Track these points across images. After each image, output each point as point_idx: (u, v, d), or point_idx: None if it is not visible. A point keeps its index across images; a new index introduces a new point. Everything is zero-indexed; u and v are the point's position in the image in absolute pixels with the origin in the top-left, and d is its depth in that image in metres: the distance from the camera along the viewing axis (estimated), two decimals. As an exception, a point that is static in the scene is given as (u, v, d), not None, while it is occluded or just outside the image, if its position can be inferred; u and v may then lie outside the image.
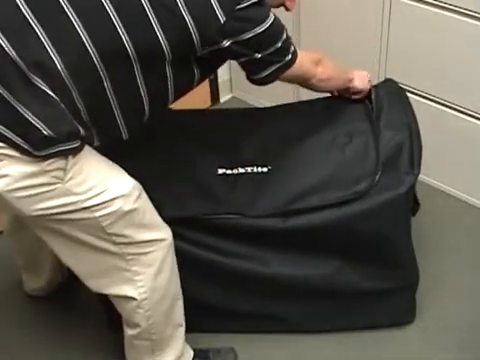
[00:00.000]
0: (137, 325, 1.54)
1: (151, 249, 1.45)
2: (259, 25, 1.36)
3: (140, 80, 1.34)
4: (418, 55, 2.11)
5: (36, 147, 1.23)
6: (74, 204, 1.32)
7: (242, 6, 1.33)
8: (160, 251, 1.47)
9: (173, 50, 1.32)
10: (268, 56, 1.43)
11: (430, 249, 2.07)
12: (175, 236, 1.55)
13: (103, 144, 1.39)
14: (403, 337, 1.85)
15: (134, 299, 1.48)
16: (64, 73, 1.23)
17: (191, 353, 1.72)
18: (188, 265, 1.61)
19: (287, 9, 1.57)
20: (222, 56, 1.45)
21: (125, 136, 1.42)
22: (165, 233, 1.50)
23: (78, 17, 1.24)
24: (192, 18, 1.30)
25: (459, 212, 2.24)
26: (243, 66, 1.48)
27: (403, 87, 1.94)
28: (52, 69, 1.22)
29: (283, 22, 1.45)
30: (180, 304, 1.61)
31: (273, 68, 1.47)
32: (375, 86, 1.83)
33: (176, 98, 1.47)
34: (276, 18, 1.42)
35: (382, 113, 1.73)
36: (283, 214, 1.61)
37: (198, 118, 1.88)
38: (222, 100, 2.83)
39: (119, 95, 1.33)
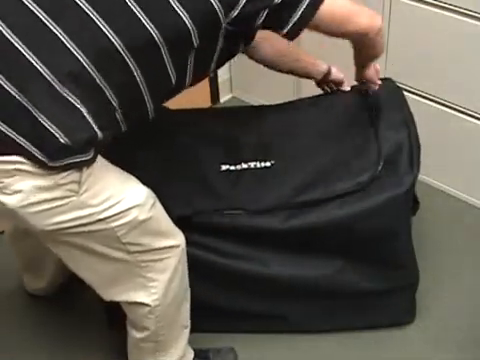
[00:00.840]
0: (146, 329, 1.54)
1: (165, 256, 1.45)
2: None
3: (168, 63, 1.30)
4: (418, 55, 2.11)
5: (52, 157, 1.20)
6: (90, 216, 1.30)
7: None
8: (174, 257, 1.47)
9: (198, 27, 1.27)
10: None
11: (430, 249, 2.07)
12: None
13: (130, 129, 1.36)
14: (403, 337, 1.85)
15: (147, 305, 1.48)
16: (94, 73, 1.20)
17: (192, 354, 1.72)
18: (188, 266, 1.61)
19: None
20: (244, 24, 1.36)
21: (151, 115, 1.40)
22: (179, 239, 1.49)
23: (97, 12, 1.20)
24: None
25: (459, 212, 2.24)
26: (270, 24, 1.37)
27: (403, 87, 1.94)
28: (80, 71, 1.19)
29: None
30: (187, 306, 1.60)
31: (302, 6, 1.35)
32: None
33: (193, 82, 1.44)
34: None
35: (380, 113, 1.73)
36: (288, 208, 1.61)
37: (199, 116, 1.88)
38: (222, 100, 2.83)
39: (149, 81, 1.29)
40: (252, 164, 1.66)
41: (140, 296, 1.47)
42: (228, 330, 1.84)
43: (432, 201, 2.22)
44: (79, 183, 1.26)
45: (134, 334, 1.58)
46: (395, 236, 1.69)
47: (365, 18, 1.45)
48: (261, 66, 1.77)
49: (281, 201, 1.61)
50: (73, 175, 1.25)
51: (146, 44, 1.25)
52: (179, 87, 1.41)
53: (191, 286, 1.61)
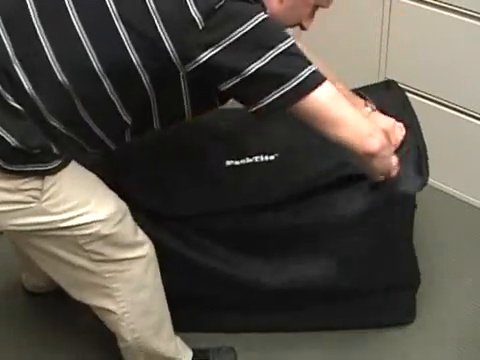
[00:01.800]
0: (123, 339, 1.53)
1: (130, 267, 1.43)
2: (246, 22, 1.13)
3: (114, 97, 1.23)
4: (418, 55, 2.11)
5: (6, 160, 1.21)
6: (50, 223, 1.30)
7: (222, 3, 1.12)
8: (139, 267, 1.45)
9: (146, 65, 1.19)
10: (268, 66, 1.14)
11: (430, 249, 2.07)
12: (180, 238, 1.55)
13: (96, 151, 1.36)
14: (403, 337, 1.84)
15: (114, 313, 1.47)
16: (32, 93, 1.20)
17: (190, 353, 1.71)
18: (189, 268, 1.62)
19: (303, 28, 1.38)
20: (209, 82, 1.22)
21: (113, 147, 1.36)
22: (145, 249, 1.46)
23: (49, 39, 1.19)
24: (165, 26, 1.15)
25: (459, 212, 2.24)
26: (239, 96, 1.23)
27: (403, 87, 1.94)
28: (21, 87, 1.20)
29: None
30: (168, 322, 1.59)
31: (283, 89, 1.16)
32: (375, 85, 1.83)
33: (163, 123, 1.34)
34: (271, 18, 1.18)
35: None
36: (295, 200, 1.60)
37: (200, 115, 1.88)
38: (222, 100, 2.83)
39: (92, 110, 1.25)
40: (256, 158, 1.66)
41: (106, 303, 1.46)
42: (227, 330, 1.84)
43: (432, 201, 2.22)
44: (41, 191, 1.27)
45: (119, 343, 1.58)
46: (397, 237, 1.69)
47: (350, 132, 1.26)
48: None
49: (287, 193, 1.59)
50: (34, 182, 1.25)
51: (87, 72, 1.20)
52: (144, 128, 1.35)
53: (191, 287, 1.61)
